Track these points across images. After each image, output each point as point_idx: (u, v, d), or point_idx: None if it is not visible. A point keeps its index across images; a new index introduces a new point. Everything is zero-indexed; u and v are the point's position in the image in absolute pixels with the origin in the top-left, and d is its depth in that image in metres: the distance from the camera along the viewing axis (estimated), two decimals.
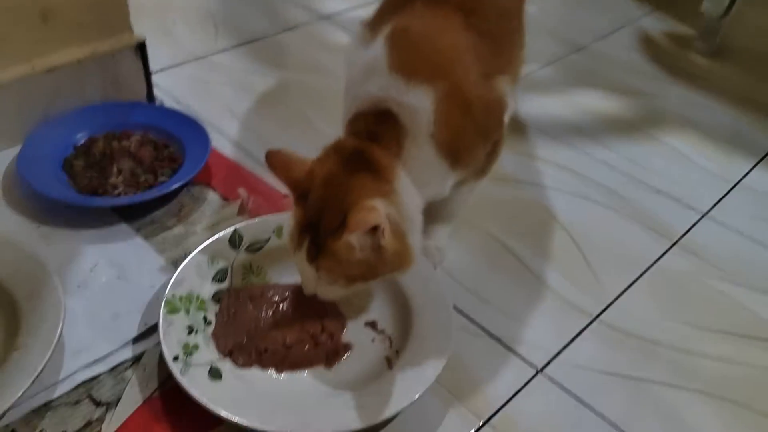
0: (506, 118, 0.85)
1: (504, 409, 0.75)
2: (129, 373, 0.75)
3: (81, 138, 1.03)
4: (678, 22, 1.65)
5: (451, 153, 0.75)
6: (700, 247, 0.99)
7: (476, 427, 0.73)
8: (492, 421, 0.74)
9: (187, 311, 0.77)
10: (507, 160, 1.12)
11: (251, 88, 1.26)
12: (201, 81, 1.27)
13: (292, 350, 0.76)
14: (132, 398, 0.72)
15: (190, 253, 0.83)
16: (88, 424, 0.69)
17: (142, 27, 1.12)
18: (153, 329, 0.77)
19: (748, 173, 1.16)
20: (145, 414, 0.71)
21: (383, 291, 0.84)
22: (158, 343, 0.73)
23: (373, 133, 0.73)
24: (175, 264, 0.84)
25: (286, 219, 0.75)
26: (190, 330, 0.75)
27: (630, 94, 1.36)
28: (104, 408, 0.71)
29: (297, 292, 0.80)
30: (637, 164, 1.15)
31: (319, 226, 0.68)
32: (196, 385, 0.69)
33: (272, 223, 0.89)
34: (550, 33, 1.55)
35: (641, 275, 0.94)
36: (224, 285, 0.82)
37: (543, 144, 1.19)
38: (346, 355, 0.77)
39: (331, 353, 0.77)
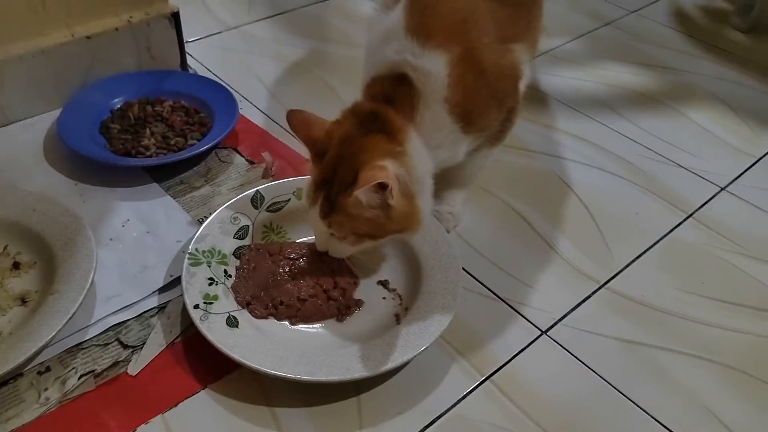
0: (522, 86, 0.87)
1: (506, 367, 0.78)
2: (154, 320, 0.80)
3: (117, 102, 1.09)
4: None
5: (463, 117, 0.77)
6: (716, 220, 0.99)
7: (478, 382, 0.76)
8: (493, 377, 0.77)
9: (209, 264, 0.82)
10: (526, 130, 1.13)
11: (280, 58, 1.30)
12: (232, 50, 1.31)
13: (306, 304, 0.80)
14: (156, 343, 0.77)
15: (214, 211, 0.88)
16: (116, 364, 0.75)
17: None
18: (178, 281, 0.82)
19: None
20: (168, 358, 0.76)
21: (396, 252, 0.87)
22: (182, 294, 0.78)
23: (389, 97, 0.76)
24: (201, 222, 0.89)
25: (305, 182, 0.78)
26: (211, 282, 0.80)
27: (659, 69, 1.35)
28: (130, 350, 0.76)
29: (313, 249, 0.84)
30: (659, 138, 1.15)
31: (333, 184, 0.71)
32: (214, 331, 0.74)
33: (293, 185, 0.92)
34: (579, 6, 1.54)
35: (653, 245, 0.95)
36: (245, 242, 0.87)
37: (563, 115, 1.19)
38: (357, 310, 0.81)
39: (342, 308, 0.80)
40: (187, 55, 1.21)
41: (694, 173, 1.08)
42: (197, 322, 0.74)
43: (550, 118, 1.19)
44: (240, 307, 0.79)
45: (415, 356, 0.74)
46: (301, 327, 0.79)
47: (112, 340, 0.77)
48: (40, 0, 1.01)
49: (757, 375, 0.79)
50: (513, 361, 0.79)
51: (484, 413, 0.73)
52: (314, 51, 1.33)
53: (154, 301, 0.82)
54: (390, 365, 0.72)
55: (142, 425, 0.69)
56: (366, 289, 0.84)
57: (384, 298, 0.83)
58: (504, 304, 0.85)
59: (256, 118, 1.13)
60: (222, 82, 1.16)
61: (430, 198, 0.78)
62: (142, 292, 0.82)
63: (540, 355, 0.80)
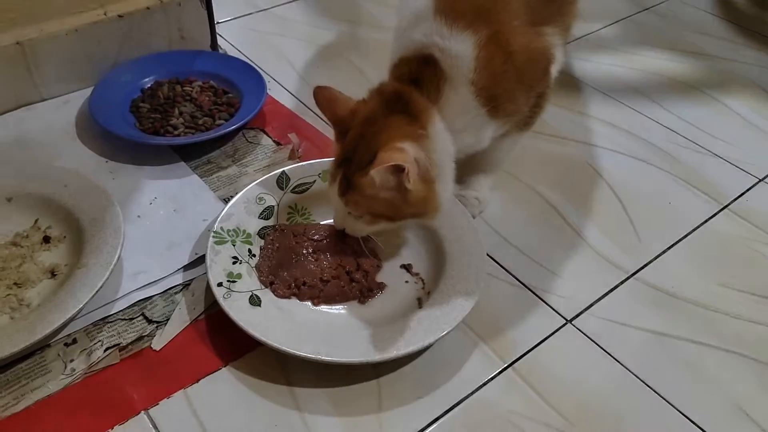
0: (553, 71, 0.85)
1: (529, 354, 0.77)
2: (179, 296, 0.81)
3: (148, 82, 1.10)
4: None
5: (490, 100, 0.76)
6: (752, 212, 0.96)
7: (500, 368, 0.75)
8: (516, 364, 0.76)
9: (234, 243, 0.82)
10: (556, 115, 1.11)
11: (310, 40, 1.29)
12: (263, 32, 1.31)
13: (328, 285, 0.80)
14: (180, 319, 0.78)
15: (240, 191, 0.88)
16: (140, 338, 0.76)
17: None
18: (202, 259, 0.82)
19: None
20: (191, 334, 0.77)
21: (420, 236, 0.87)
22: (206, 272, 0.78)
23: (415, 78, 0.75)
24: (227, 201, 0.89)
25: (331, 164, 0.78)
26: (235, 260, 0.81)
27: (697, 55, 1.31)
28: (155, 325, 0.77)
29: (337, 231, 0.84)
30: (695, 126, 1.12)
31: (352, 162, 0.71)
32: (236, 310, 0.74)
33: (318, 167, 0.92)
34: None
35: (685, 236, 0.92)
36: (270, 222, 0.87)
37: (596, 102, 1.17)
38: (379, 293, 0.81)
39: (365, 290, 0.80)
40: (217, 35, 1.22)
41: (731, 163, 1.05)
42: (220, 299, 0.75)
43: (582, 104, 1.16)
44: (263, 287, 0.80)
45: (437, 341, 0.73)
46: (323, 308, 0.79)
47: (138, 314, 0.78)
48: None
49: None
50: (536, 349, 0.77)
51: (505, 400, 0.72)
52: (344, 34, 1.32)
53: (179, 278, 0.83)
54: (411, 349, 0.71)
55: (165, 399, 0.70)
56: (389, 273, 0.83)
57: (407, 281, 0.83)
58: (529, 291, 0.84)
59: (285, 100, 1.13)
60: (251, 63, 1.16)
61: (450, 183, 0.77)
62: (167, 269, 0.83)
63: (564, 344, 0.78)
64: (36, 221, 0.86)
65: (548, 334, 0.79)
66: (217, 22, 1.23)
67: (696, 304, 0.84)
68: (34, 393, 0.70)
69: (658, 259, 0.89)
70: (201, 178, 0.96)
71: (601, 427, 0.71)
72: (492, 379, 0.74)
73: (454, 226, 0.85)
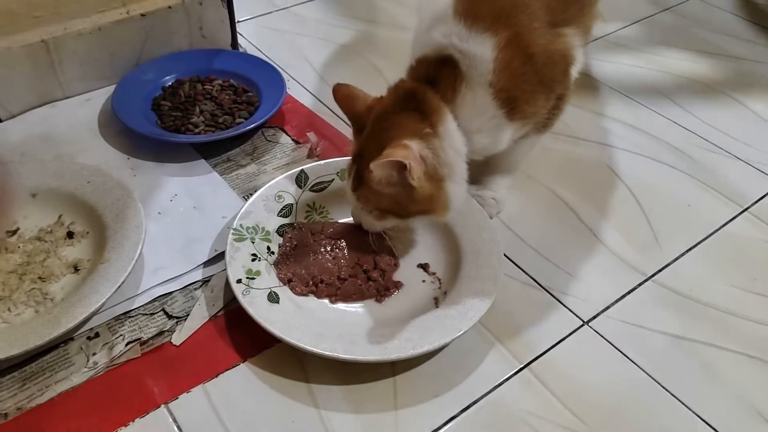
0: (573, 72, 0.85)
1: (545, 355, 0.77)
2: (198, 292, 0.82)
3: (169, 80, 1.11)
4: None
5: (508, 102, 0.76)
6: None
7: (516, 369, 0.75)
8: (532, 365, 0.76)
9: (253, 240, 0.83)
10: (575, 116, 1.11)
11: (329, 39, 1.30)
12: (282, 31, 1.32)
13: (345, 283, 0.81)
14: (199, 315, 0.79)
15: (260, 189, 0.89)
16: (160, 333, 0.77)
17: None
18: (222, 256, 0.83)
19: None
20: (210, 329, 0.78)
21: (437, 236, 0.87)
22: (225, 269, 0.79)
23: (431, 78, 0.76)
24: (246, 198, 0.90)
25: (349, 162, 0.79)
26: (254, 257, 0.81)
27: (719, 57, 1.29)
28: (175, 321, 0.78)
29: (355, 230, 0.85)
30: (716, 128, 1.11)
31: (364, 158, 0.72)
32: (255, 306, 0.75)
33: (336, 165, 0.93)
34: None
35: (704, 239, 0.92)
36: (288, 220, 0.88)
37: (615, 103, 1.16)
38: (396, 292, 0.81)
39: (382, 289, 0.81)
40: (238, 34, 1.23)
41: (751, 166, 1.04)
42: (239, 296, 0.76)
43: (601, 105, 1.16)
44: (281, 284, 0.80)
45: (453, 340, 0.73)
46: (341, 305, 0.80)
47: (158, 310, 0.80)
48: None
49: None
50: (552, 350, 0.78)
51: (520, 401, 0.72)
52: (363, 33, 1.33)
53: (198, 275, 0.84)
54: (427, 348, 0.72)
55: (184, 393, 0.71)
56: (406, 272, 0.84)
57: (423, 281, 0.83)
58: (546, 292, 0.84)
59: (304, 99, 1.14)
60: (271, 62, 1.17)
61: (463, 183, 0.78)
62: (187, 265, 0.84)
63: (581, 345, 0.78)
64: (60, 217, 0.87)
65: (565, 336, 0.79)
66: (238, 21, 1.24)
67: (714, 308, 0.83)
68: (58, 385, 0.71)
69: (676, 262, 0.89)
70: (221, 175, 0.98)
71: (616, 430, 0.71)
72: (508, 379, 0.74)
73: (471, 226, 0.86)
